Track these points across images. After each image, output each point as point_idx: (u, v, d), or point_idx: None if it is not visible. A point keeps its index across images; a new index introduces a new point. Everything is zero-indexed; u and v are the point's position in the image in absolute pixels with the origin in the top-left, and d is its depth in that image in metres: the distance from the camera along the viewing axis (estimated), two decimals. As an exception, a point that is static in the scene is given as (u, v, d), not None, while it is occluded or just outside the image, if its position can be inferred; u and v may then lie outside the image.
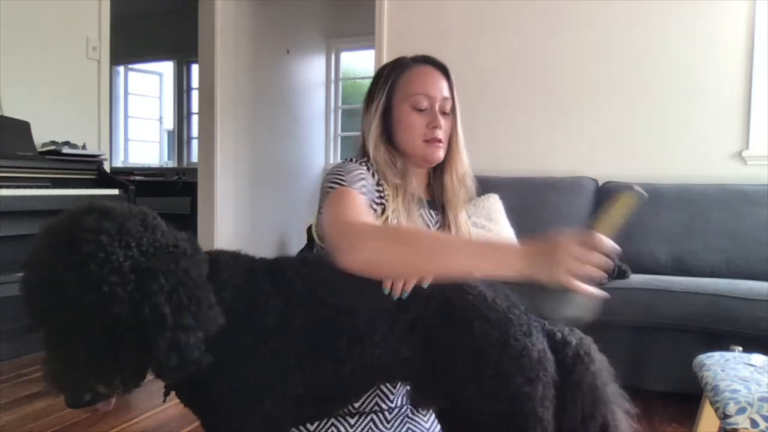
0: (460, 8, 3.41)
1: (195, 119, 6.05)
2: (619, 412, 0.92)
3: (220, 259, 0.87)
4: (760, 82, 2.84)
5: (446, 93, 1.22)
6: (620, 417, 0.92)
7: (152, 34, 6.11)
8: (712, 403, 1.25)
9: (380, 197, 1.18)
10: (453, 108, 1.23)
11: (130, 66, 6.47)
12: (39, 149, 2.91)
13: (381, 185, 1.19)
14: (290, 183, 5.01)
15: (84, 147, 3.10)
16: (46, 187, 2.75)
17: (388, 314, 0.90)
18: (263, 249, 3.99)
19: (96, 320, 0.69)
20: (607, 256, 0.82)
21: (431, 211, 1.26)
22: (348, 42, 5.47)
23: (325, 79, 5.51)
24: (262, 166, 4.58)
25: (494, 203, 2.77)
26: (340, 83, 5.62)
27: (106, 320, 0.69)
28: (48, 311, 0.69)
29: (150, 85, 6.60)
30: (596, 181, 3.03)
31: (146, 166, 6.37)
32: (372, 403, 1.14)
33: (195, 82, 6.05)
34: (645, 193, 0.86)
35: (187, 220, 4.43)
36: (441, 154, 1.22)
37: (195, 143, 5.94)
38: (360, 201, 1.05)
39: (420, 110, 1.21)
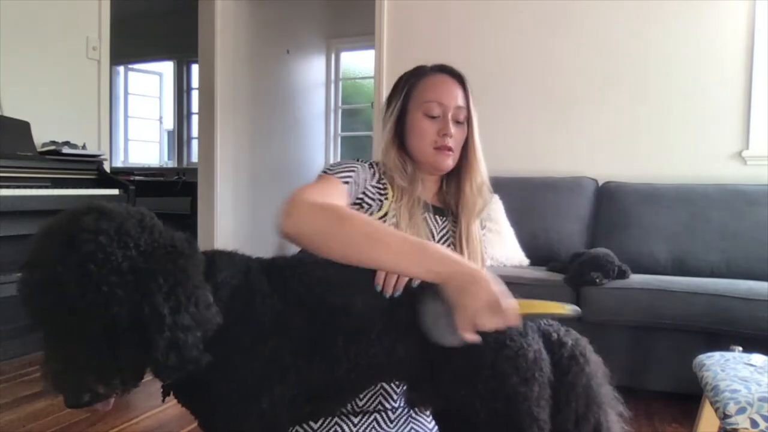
0: (460, 8, 3.41)
1: (195, 119, 6.05)
2: (612, 414, 0.93)
3: (217, 259, 0.87)
4: (760, 82, 2.84)
5: (461, 102, 1.23)
6: (613, 419, 0.92)
7: (152, 34, 6.11)
8: (712, 403, 1.25)
9: (379, 194, 1.19)
10: (469, 118, 1.24)
11: (130, 66, 6.47)
12: (39, 149, 2.91)
13: (384, 185, 1.20)
14: (290, 183, 5.00)
15: (84, 147, 3.10)
16: (46, 187, 2.75)
17: (383, 313, 0.90)
18: (263, 249, 3.98)
19: (95, 320, 0.69)
20: (500, 329, 0.83)
21: (437, 217, 1.27)
22: (348, 42, 5.48)
23: (325, 79, 5.52)
24: (262, 166, 4.58)
25: (494, 203, 2.77)
26: (340, 83, 5.63)
27: (105, 320, 0.70)
28: (47, 311, 0.69)
29: (150, 85, 6.61)
30: (596, 181, 3.03)
31: (146, 166, 6.37)
32: (375, 402, 1.15)
33: (195, 82, 6.06)
34: (579, 313, 0.89)
35: (187, 220, 4.43)
36: (450, 162, 1.23)
37: (195, 143, 5.94)
38: (333, 186, 1.07)
39: (432, 117, 1.22)
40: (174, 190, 5.43)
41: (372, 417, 1.14)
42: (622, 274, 2.32)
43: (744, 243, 2.54)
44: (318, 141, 5.45)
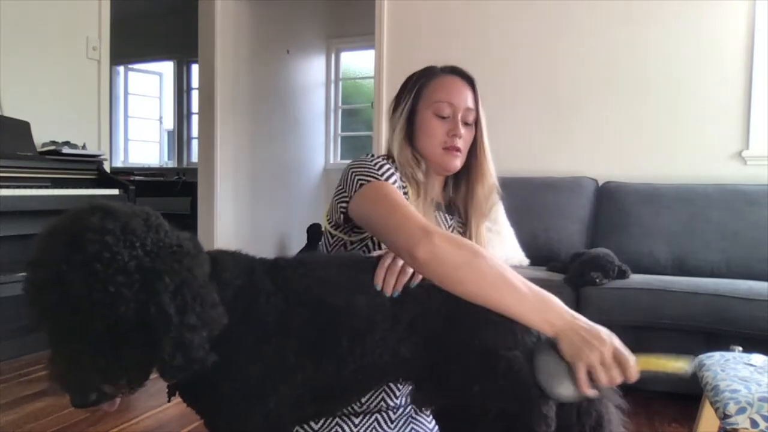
0: (460, 8, 3.41)
1: (195, 119, 6.06)
2: (611, 406, 0.93)
3: (221, 259, 0.87)
4: (760, 82, 2.84)
5: (470, 104, 1.24)
6: (612, 411, 0.93)
7: (152, 34, 6.11)
8: (712, 403, 1.25)
9: (402, 190, 1.20)
10: (477, 120, 1.25)
11: (130, 66, 6.48)
12: (39, 149, 2.91)
13: (404, 182, 1.22)
14: (290, 183, 5.00)
15: (84, 147, 3.10)
16: (46, 187, 2.75)
17: (387, 313, 0.91)
18: (263, 249, 4.00)
19: (102, 320, 0.69)
20: (621, 382, 0.85)
21: (446, 215, 1.29)
22: (348, 42, 5.48)
23: (325, 79, 5.52)
24: (262, 166, 4.58)
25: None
26: (340, 83, 5.63)
27: (111, 320, 0.69)
28: (54, 311, 0.69)
29: (150, 85, 6.61)
30: (596, 181, 3.03)
31: (146, 166, 6.37)
32: (378, 400, 1.15)
33: (195, 82, 6.06)
34: (690, 373, 0.91)
35: (187, 220, 4.43)
36: (458, 163, 1.24)
37: (195, 143, 5.94)
38: (403, 197, 1.07)
39: (442, 118, 1.22)
40: (174, 190, 5.43)
41: (373, 417, 1.14)
42: (622, 274, 2.32)
43: (744, 243, 2.54)
44: (318, 141, 5.45)
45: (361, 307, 0.90)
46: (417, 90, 1.26)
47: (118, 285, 0.68)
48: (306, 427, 1.10)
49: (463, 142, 1.23)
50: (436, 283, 0.91)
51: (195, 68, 5.82)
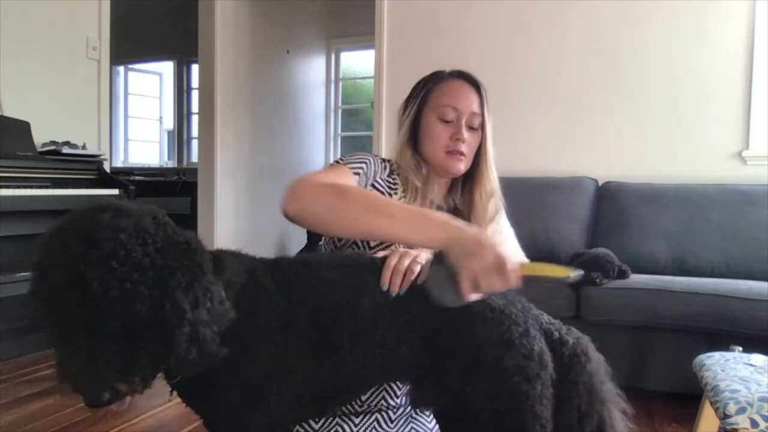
0: (460, 8, 3.41)
1: (195, 119, 6.05)
2: (616, 411, 0.93)
3: (222, 258, 0.88)
4: (760, 82, 2.84)
5: (476, 109, 1.24)
6: (616, 416, 0.93)
7: (152, 34, 6.11)
8: (712, 403, 1.25)
9: (389, 188, 1.21)
10: (483, 124, 1.25)
11: (130, 66, 6.47)
12: (39, 149, 2.91)
13: (395, 180, 1.23)
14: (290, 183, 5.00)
15: (84, 147, 3.10)
16: (46, 187, 2.75)
17: (387, 312, 0.91)
18: (263, 249, 3.99)
19: (117, 317, 0.69)
20: (502, 288, 0.84)
21: None
22: (348, 42, 5.48)
23: (325, 79, 5.52)
24: (262, 166, 4.58)
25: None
26: (340, 83, 5.63)
27: (127, 317, 0.70)
28: (69, 310, 0.69)
29: (150, 85, 6.60)
30: (596, 181, 3.03)
31: (146, 166, 6.37)
32: (378, 398, 1.15)
33: (195, 82, 6.05)
34: (581, 277, 0.90)
35: (187, 220, 4.43)
36: (461, 166, 1.24)
37: (195, 143, 5.94)
38: (342, 174, 1.09)
39: (446, 122, 1.23)
40: (174, 190, 5.43)
41: (373, 417, 1.14)
42: (622, 274, 2.32)
43: (744, 243, 2.54)
44: (318, 141, 5.45)
45: (362, 307, 0.91)
46: (423, 94, 1.27)
47: (134, 282, 0.69)
48: (306, 426, 1.10)
49: (467, 147, 1.23)
50: (315, 230, 0.93)
51: (195, 68, 5.82)
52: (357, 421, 1.13)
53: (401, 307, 0.91)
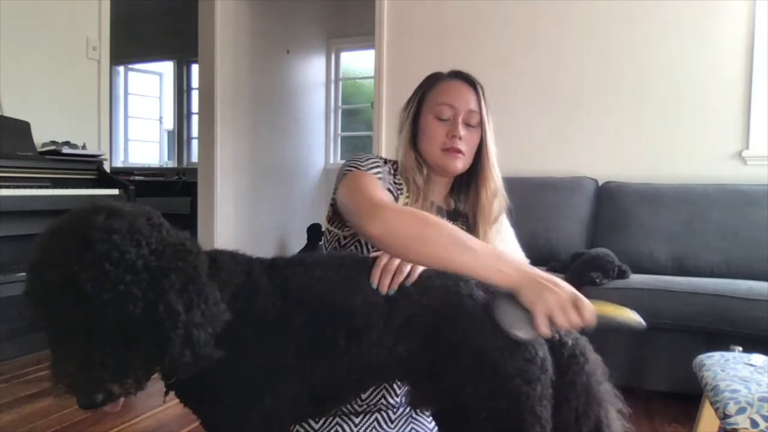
0: (460, 8, 3.41)
1: (195, 119, 6.05)
2: (612, 411, 0.93)
3: (219, 259, 0.88)
4: (760, 82, 2.84)
5: (473, 106, 1.24)
6: (613, 416, 0.93)
7: (152, 34, 6.11)
8: (712, 403, 1.25)
9: (397, 190, 1.23)
10: (482, 122, 1.25)
11: (130, 66, 6.47)
12: (39, 149, 2.91)
13: (399, 182, 1.24)
14: (290, 183, 5.00)
15: (84, 147, 3.10)
16: (46, 187, 2.75)
17: (383, 312, 0.91)
18: (263, 249, 3.98)
19: (111, 319, 0.69)
20: (579, 329, 0.87)
21: (448, 220, 1.28)
22: (348, 42, 5.48)
23: (325, 79, 5.52)
24: (262, 166, 4.58)
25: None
26: (340, 83, 5.63)
27: (120, 319, 0.70)
28: (63, 311, 0.69)
29: (150, 85, 6.60)
30: (596, 181, 3.03)
31: (146, 166, 6.37)
32: (378, 397, 1.15)
33: (195, 82, 6.05)
34: (644, 326, 0.95)
35: (187, 220, 4.43)
36: (459, 164, 1.24)
37: (195, 143, 5.94)
38: (377, 182, 1.11)
39: (442, 120, 1.24)
40: (174, 190, 5.43)
41: (373, 417, 1.14)
42: (622, 274, 2.32)
43: (744, 243, 2.54)
44: (318, 141, 5.45)
45: (357, 307, 0.91)
46: (421, 95, 1.28)
47: (127, 283, 0.69)
48: (306, 426, 1.10)
49: (465, 144, 1.23)
50: (392, 255, 0.94)
51: (195, 68, 5.82)
52: (357, 421, 1.13)
53: (396, 306, 0.91)
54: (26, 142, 2.82)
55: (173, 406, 2.03)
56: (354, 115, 5.76)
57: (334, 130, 5.61)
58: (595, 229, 2.89)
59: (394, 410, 1.17)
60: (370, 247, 1.17)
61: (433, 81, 1.29)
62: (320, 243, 4.52)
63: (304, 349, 0.88)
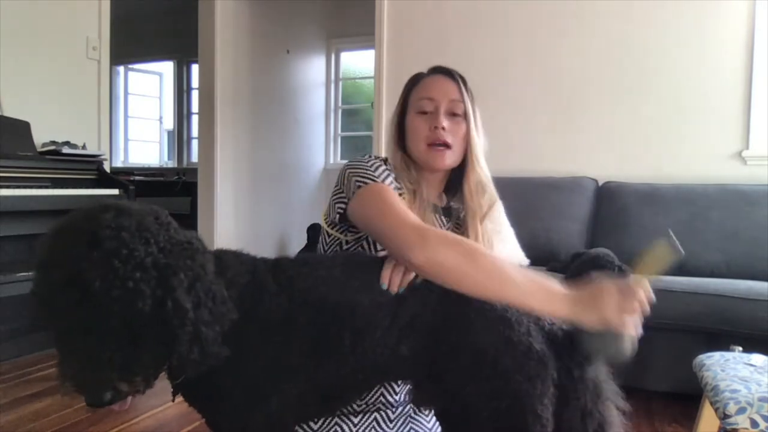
0: (460, 8, 3.41)
1: (195, 119, 6.05)
2: (613, 409, 0.93)
3: (224, 258, 0.88)
4: (760, 82, 2.84)
5: (454, 96, 1.22)
6: (614, 414, 0.93)
7: (152, 34, 6.11)
8: (712, 403, 1.25)
9: (399, 192, 1.20)
10: (465, 113, 1.23)
11: (130, 66, 6.47)
12: (39, 149, 2.91)
13: (399, 183, 1.22)
14: (290, 183, 5.00)
15: (84, 147, 3.10)
16: (46, 187, 2.75)
17: (387, 312, 0.91)
18: (263, 249, 3.98)
19: (119, 316, 0.69)
20: (651, 302, 0.90)
21: (443, 217, 1.27)
22: (348, 42, 5.48)
23: (325, 79, 5.51)
24: (262, 166, 4.58)
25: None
26: (340, 83, 5.63)
27: (129, 316, 0.69)
28: (71, 309, 0.69)
29: (150, 85, 6.60)
30: (596, 181, 3.03)
31: (146, 166, 6.37)
32: (377, 395, 1.15)
33: (195, 82, 6.05)
34: (681, 250, 0.95)
35: (187, 220, 4.43)
36: (446, 159, 1.21)
37: (195, 143, 5.94)
38: (399, 197, 1.08)
39: (425, 113, 1.22)
40: (174, 190, 5.43)
41: (372, 417, 1.14)
42: (622, 274, 2.32)
43: (744, 243, 2.53)
44: (318, 141, 5.45)
45: (363, 307, 0.91)
46: (405, 95, 1.28)
47: (136, 281, 0.69)
48: (305, 426, 1.10)
49: (451, 136, 1.20)
50: (436, 281, 0.92)
51: (195, 68, 5.82)
52: (356, 420, 1.13)
53: (402, 306, 0.91)
54: (26, 142, 2.82)
55: (173, 405, 2.03)
56: (354, 115, 5.76)
57: (334, 130, 5.61)
58: (595, 229, 2.89)
59: (393, 409, 1.17)
60: (376, 248, 1.16)
61: (415, 80, 1.29)
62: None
63: (309, 349, 0.88)
